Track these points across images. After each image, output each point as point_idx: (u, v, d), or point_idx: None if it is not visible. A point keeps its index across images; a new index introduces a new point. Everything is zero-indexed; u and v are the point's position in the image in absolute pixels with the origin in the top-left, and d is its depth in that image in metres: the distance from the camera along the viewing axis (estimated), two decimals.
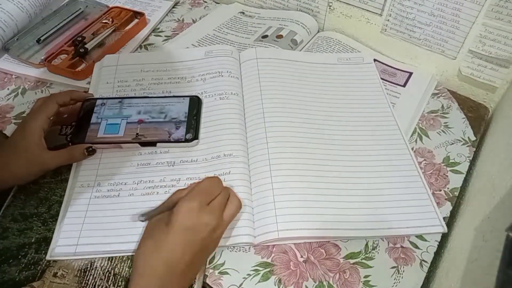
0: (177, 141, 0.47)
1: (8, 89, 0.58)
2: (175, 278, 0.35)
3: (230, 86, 0.53)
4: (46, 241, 0.41)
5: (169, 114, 0.49)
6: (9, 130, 0.52)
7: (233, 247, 0.42)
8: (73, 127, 0.49)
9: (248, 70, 0.56)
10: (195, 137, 0.47)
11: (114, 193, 0.44)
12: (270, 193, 0.43)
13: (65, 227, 0.41)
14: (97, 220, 0.42)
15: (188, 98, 0.51)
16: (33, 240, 0.41)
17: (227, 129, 0.48)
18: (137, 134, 0.47)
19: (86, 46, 0.60)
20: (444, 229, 0.42)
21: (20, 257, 0.40)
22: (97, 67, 0.57)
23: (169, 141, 0.47)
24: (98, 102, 0.50)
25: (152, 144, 0.47)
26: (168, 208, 0.38)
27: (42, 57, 0.59)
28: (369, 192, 0.45)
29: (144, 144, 0.47)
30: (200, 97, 0.51)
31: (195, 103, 0.50)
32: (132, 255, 0.40)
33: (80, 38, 0.61)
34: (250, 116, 0.51)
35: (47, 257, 0.40)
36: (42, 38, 0.62)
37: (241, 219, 0.42)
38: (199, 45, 0.63)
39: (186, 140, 0.47)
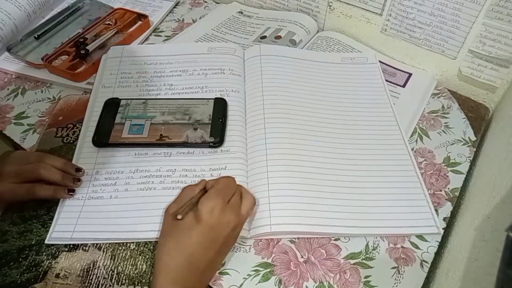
0: (201, 145, 0.47)
1: (8, 89, 0.58)
2: (196, 276, 0.36)
3: (231, 84, 0.53)
4: (47, 243, 0.41)
5: (193, 116, 0.49)
6: (9, 130, 0.52)
7: (233, 247, 0.42)
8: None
9: (251, 67, 0.56)
10: (220, 141, 0.47)
11: (111, 181, 0.45)
12: (265, 188, 0.44)
13: (63, 214, 0.42)
14: (94, 208, 0.43)
15: (212, 101, 0.50)
16: (33, 242, 0.41)
17: (227, 125, 0.49)
18: (161, 135, 0.48)
19: (87, 47, 0.60)
20: (439, 230, 0.42)
21: (21, 259, 0.40)
22: (103, 58, 0.58)
23: (193, 144, 0.47)
24: (122, 102, 0.51)
25: (176, 145, 0.47)
26: (192, 206, 0.38)
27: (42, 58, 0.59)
28: (365, 191, 0.45)
29: (168, 146, 0.47)
30: (225, 98, 0.51)
31: (221, 106, 0.50)
32: (132, 250, 0.40)
33: (82, 39, 0.61)
34: (251, 113, 0.51)
35: (47, 241, 0.40)
36: (39, 35, 0.63)
37: None
38: None
39: (210, 144, 0.46)
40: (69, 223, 0.42)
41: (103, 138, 0.47)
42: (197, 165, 0.46)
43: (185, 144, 0.47)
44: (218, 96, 0.51)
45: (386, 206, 0.44)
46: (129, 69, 0.56)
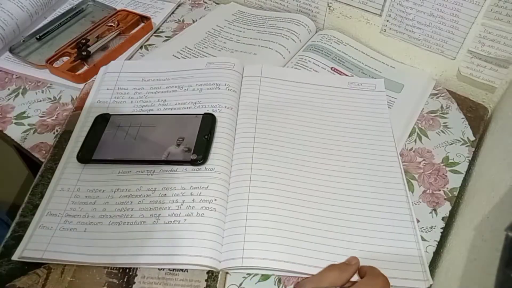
0: (182, 162, 0.45)
1: (8, 89, 0.58)
2: None
3: (225, 100, 0.51)
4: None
5: (180, 132, 0.47)
6: (9, 130, 0.52)
7: None
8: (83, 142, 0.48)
9: (249, 85, 0.54)
10: (203, 158, 0.45)
11: (91, 200, 0.43)
12: (243, 216, 0.41)
13: (38, 231, 0.41)
14: (70, 226, 0.41)
15: (201, 116, 0.49)
16: None
17: (213, 143, 0.47)
18: (145, 152, 0.46)
19: (89, 49, 0.60)
20: (429, 282, 0.38)
21: None
22: (101, 71, 0.57)
23: (174, 162, 0.45)
24: (112, 118, 0.50)
25: (159, 162, 0.45)
26: None
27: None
28: (353, 232, 0.41)
29: (149, 163, 0.46)
30: (214, 114, 0.49)
31: (208, 121, 0.48)
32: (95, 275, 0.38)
33: (84, 41, 0.62)
34: (240, 133, 0.49)
35: (14, 258, 0.39)
36: (41, 36, 0.63)
37: (209, 239, 0.39)
38: (195, 47, 0.63)
39: (193, 162, 0.44)
40: (43, 241, 0.40)
41: (87, 155, 0.46)
42: (178, 183, 0.43)
43: (166, 162, 0.45)
44: (210, 112, 0.50)
45: (375, 252, 0.40)
46: (126, 85, 0.55)
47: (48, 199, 0.43)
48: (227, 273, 0.40)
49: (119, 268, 0.39)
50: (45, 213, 0.42)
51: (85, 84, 0.56)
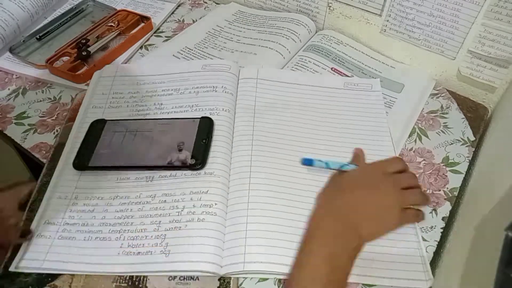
0: (181, 167, 0.44)
1: (9, 89, 0.58)
2: (349, 234, 0.35)
3: (222, 102, 0.51)
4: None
5: (177, 137, 0.47)
6: (9, 130, 0.52)
7: None
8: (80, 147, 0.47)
9: (245, 88, 0.54)
10: (201, 163, 0.44)
11: (89, 207, 0.43)
12: (244, 220, 0.41)
13: (36, 240, 0.40)
14: (69, 235, 0.40)
15: (198, 120, 0.48)
16: None
17: (211, 146, 0.47)
18: (142, 158, 0.45)
19: (89, 49, 0.60)
20: (431, 282, 0.39)
21: None
22: (95, 76, 0.56)
23: (173, 167, 0.45)
24: (108, 123, 0.49)
25: (156, 168, 0.45)
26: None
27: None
28: None
29: (149, 168, 0.45)
30: (211, 117, 0.49)
31: (206, 125, 0.47)
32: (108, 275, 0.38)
33: (84, 41, 0.62)
34: (238, 136, 0.49)
35: (11, 269, 0.38)
36: (42, 36, 0.63)
37: (210, 245, 0.39)
38: (195, 47, 0.63)
39: (191, 167, 0.44)
40: (40, 250, 0.39)
41: (84, 161, 0.46)
42: (178, 189, 0.43)
43: (165, 167, 0.45)
44: (208, 115, 0.49)
45: (375, 253, 0.39)
46: (121, 89, 0.54)
47: (44, 207, 0.43)
48: (238, 279, 0.39)
49: (128, 280, 0.38)
50: (43, 221, 0.42)
51: (77, 95, 0.55)
